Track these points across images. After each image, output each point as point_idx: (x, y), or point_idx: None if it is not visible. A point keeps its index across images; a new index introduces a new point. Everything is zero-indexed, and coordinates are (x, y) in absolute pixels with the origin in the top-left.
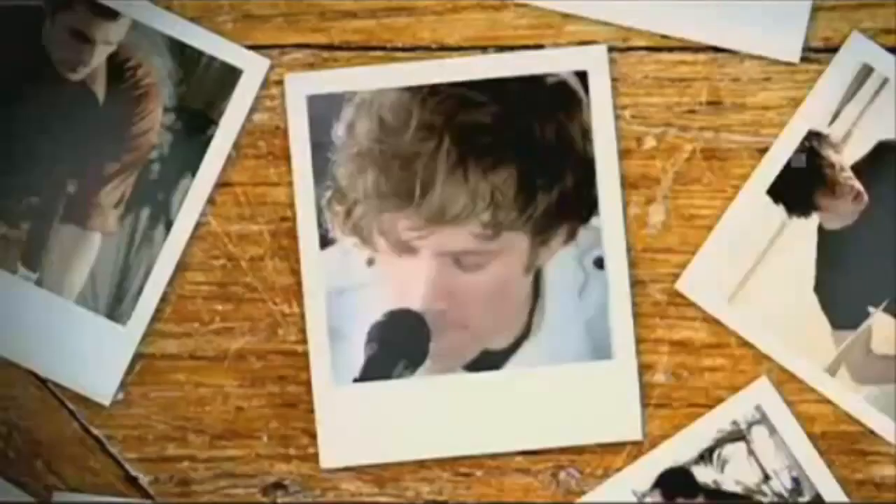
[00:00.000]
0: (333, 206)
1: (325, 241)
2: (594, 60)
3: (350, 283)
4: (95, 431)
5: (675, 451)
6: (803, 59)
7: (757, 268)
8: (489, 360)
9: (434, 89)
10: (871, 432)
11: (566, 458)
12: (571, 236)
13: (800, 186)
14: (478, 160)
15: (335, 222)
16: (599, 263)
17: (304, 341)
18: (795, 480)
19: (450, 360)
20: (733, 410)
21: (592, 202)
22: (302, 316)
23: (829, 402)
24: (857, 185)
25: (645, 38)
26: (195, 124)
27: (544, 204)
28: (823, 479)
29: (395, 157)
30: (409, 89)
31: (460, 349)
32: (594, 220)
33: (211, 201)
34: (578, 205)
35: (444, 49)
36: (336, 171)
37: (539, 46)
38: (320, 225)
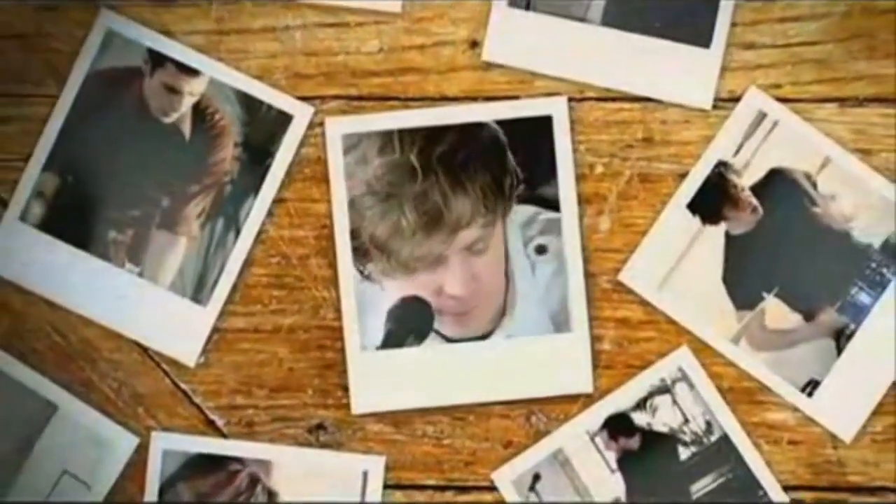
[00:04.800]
0: (373, 255)
1: (364, 277)
2: (557, 108)
3: (373, 279)
4: (183, 386)
5: (618, 401)
6: (714, 107)
7: (679, 263)
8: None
9: (427, 134)
10: (766, 387)
11: (536, 406)
12: (526, 213)
13: (711, 202)
14: (465, 174)
15: (374, 268)
16: (539, 250)
17: (339, 319)
18: (708, 423)
19: (447, 334)
20: (661, 371)
21: (541, 199)
22: (338, 300)
23: (733, 364)
24: (755, 201)
25: (595, 91)
26: (258, 156)
27: (516, 192)
28: (729, 422)
29: (413, 200)
30: (402, 140)
31: (459, 331)
32: (541, 215)
33: (269, 213)
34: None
35: (445, 99)
36: (365, 215)
37: (516, 97)
38: (354, 237)
